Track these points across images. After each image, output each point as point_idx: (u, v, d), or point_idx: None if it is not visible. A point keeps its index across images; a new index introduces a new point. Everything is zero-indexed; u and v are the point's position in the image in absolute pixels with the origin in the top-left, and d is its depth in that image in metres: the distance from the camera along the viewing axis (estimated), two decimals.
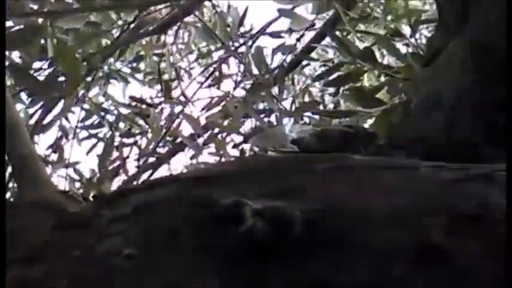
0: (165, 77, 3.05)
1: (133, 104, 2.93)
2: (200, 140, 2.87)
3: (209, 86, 3.12)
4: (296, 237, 0.73)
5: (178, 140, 3.13)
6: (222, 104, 2.75)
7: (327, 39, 3.00)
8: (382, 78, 2.70)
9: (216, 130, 2.70)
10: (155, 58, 3.10)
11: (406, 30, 2.79)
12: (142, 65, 3.22)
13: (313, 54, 3.23)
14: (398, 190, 0.77)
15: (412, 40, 2.57)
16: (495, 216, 0.71)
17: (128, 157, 3.21)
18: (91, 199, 0.91)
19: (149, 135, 3.07)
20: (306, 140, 0.90)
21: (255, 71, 2.67)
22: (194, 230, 0.77)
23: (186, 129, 2.96)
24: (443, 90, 0.99)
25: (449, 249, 0.70)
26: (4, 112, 0.93)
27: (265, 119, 2.66)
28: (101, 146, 3.04)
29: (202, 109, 2.64)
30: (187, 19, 3.26)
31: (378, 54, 2.72)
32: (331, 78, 2.58)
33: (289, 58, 2.94)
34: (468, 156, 0.88)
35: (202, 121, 2.67)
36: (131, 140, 3.17)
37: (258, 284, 0.73)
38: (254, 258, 0.73)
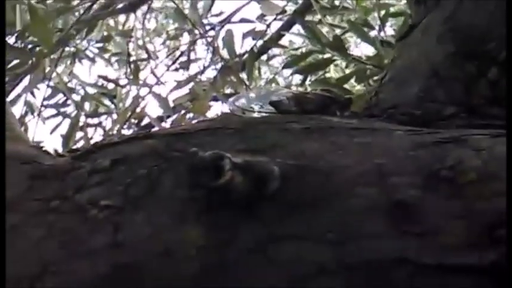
0: (133, 58, 3.04)
1: (100, 83, 2.92)
2: (165, 124, 2.86)
3: (176, 69, 3.12)
4: (273, 193, 0.75)
5: (144, 122, 3.13)
6: (190, 86, 2.75)
7: (296, 27, 3.02)
8: (348, 71, 2.73)
9: (183, 112, 2.70)
10: (123, 39, 3.09)
11: (375, 23, 2.81)
12: (109, 47, 3.20)
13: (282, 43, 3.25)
14: (373, 151, 0.79)
15: (382, 34, 2.59)
16: (470, 177, 0.72)
17: (91, 138, 3.19)
18: (66, 153, 0.92)
19: (114, 116, 3.06)
20: (285, 102, 0.92)
21: (225, 55, 2.68)
22: (173, 182, 0.79)
23: (152, 112, 2.96)
24: (418, 63, 1.01)
25: (421, 208, 0.72)
26: (4, 111, 0.93)
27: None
28: (65, 126, 3.02)
29: (171, 90, 2.65)
30: (155, 3, 3.25)
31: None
32: (299, 66, 2.59)
33: (259, 44, 2.95)
34: (441, 126, 0.91)
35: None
36: (96, 121, 3.15)
37: (231, 237, 0.74)
38: (231, 211, 0.75)
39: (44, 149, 0.93)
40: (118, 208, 0.78)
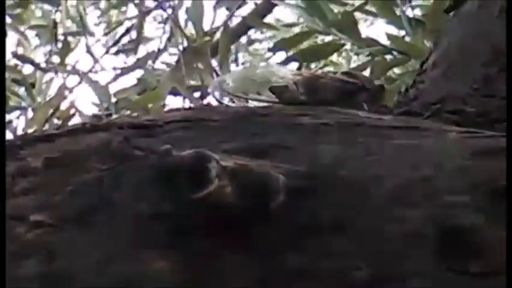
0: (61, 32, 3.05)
1: (12, 65, 2.93)
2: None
3: (119, 52, 3.14)
4: (276, 211, 0.75)
5: (70, 124, 3.13)
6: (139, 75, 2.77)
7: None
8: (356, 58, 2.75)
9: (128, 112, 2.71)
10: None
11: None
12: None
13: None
14: (418, 158, 0.79)
15: (409, 12, 2.59)
16: None
17: None
18: None
19: (30, 114, 3.05)
20: (290, 88, 0.93)
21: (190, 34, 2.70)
22: (133, 192, 0.79)
23: (85, 108, 2.96)
24: (473, 43, 1.03)
25: (482, 238, 0.72)
26: (4, 110, 0.94)
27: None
28: None
29: (113, 80, 2.66)
30: None
31: None
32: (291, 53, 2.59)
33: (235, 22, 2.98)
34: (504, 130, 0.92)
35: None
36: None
37: (216, 273, 0.74)
38: (216, 235, 0.75)
39: None
40: (54, 226, 0.78)
